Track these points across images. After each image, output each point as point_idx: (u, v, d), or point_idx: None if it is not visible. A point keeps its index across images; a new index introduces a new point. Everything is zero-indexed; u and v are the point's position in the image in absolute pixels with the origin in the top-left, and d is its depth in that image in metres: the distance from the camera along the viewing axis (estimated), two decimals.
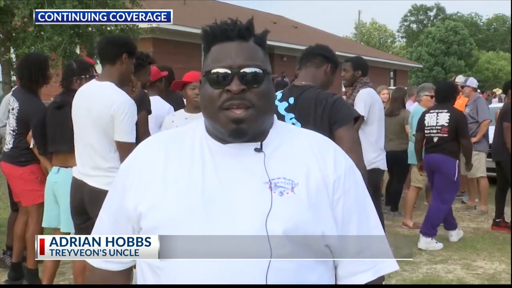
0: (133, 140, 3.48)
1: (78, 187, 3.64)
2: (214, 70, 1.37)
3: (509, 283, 5.14)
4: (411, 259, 5.74)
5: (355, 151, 3.06)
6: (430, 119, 6.44)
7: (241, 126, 1.35)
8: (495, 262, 5.75)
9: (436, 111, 6.45)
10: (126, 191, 1.41)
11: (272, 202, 1.32)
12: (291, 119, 3.11)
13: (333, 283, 1.44)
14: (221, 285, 1.28)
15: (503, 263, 5.71)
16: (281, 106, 3.14)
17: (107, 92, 3.49)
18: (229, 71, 1.35)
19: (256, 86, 1.36)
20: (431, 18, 68.72)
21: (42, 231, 4.57)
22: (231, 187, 1.34)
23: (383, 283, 5.32)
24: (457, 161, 6.25)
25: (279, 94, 3.19)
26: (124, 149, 3.40)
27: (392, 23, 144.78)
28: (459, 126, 6.25)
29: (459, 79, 9.64)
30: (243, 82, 1.35)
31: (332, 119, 3.02)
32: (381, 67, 33.58)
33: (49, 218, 4.35)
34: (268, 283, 1.28)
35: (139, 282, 1.42)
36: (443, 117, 6.32)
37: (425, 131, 6.47)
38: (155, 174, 1.39)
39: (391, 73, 35.89)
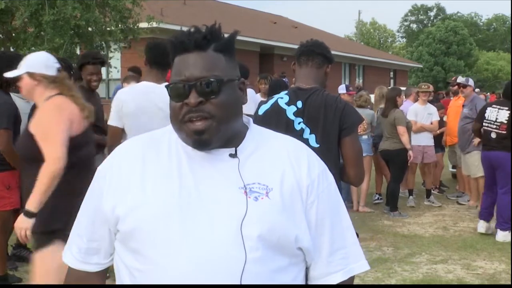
0: None
1: None
2: (173, 84, 1.38)
3: (509, 283, 5.14)
4: (411, 259, 5.76)
5: (358, 165, 3.08)
6: (491, 113, 6.58)
7: (202, 137, 1.36)
8: (495, 262, 5.75)
9: (498, 107, 6.59)
10: (103, 194, 1.42)
11: (247, 207, 1.34)
12: (299, 123, 3.10)
13: (305, 283, 1.47)
14: (200, 285, 1.30)
15: (503, 263, 5.71)
16: (290, 110, 3.12)
17: None
18: (186, 84, 1.36)
19: (214, 97, 1.36)
20: (431, 18, 68.74)
21: (7, 238, 4.53)
22: (207, 192, 1.36)
23: (386, 282, 5.27)
24: None
25: (285, 97, 3.16)
26: None
27: (392, 23, 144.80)
28: None
29: (460, 79, 9.63)
30: (200, 94, 1.35)
31: (341, 125, 3.04)
32: (381, 67, 33.57)
33: None
34: (242, 284, 1.31)
35: (117, 281, 1.44)
36: (503, 114, 6.46)
37: (484, 124, 6.61)
38: (133, 177, 1.40)
39: (391, 73, 35.89)
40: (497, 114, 6.51)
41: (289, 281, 1.39)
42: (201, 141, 1.37)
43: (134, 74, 7.89)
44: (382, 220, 7.66)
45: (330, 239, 1.45)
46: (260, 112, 3.18)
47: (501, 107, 6.53)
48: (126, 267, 1.39)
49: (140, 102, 3.83)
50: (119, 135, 3.93)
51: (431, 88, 9.31)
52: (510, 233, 6.55)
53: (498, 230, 6.61)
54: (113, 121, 3.95)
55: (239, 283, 1.31)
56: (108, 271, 1.56)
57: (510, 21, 61.48)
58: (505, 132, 6.40)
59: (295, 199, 1.40)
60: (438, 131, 8.96)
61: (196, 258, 1.31)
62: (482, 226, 6.82)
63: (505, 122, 6.40)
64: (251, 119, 1.51)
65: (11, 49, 13.23)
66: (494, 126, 6.51)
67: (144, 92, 3.86)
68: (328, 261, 1.45)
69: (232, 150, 1.41)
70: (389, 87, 10.29)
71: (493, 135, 6.52)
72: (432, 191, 9.01)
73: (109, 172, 1.45)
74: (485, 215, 6.82)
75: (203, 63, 1.37)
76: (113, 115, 3.96)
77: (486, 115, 6.62)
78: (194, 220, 1.33)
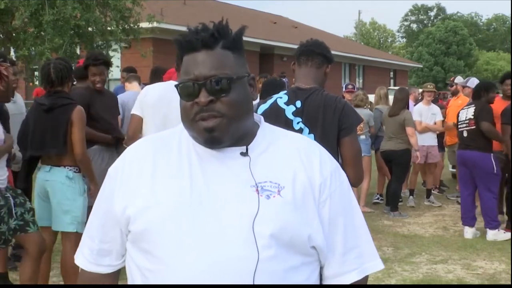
0: None
1: None
2: (182, 83, 1.37)
3: (509, 283, 5.14)
4: (411, 259, 5.75)
5: (356, 165, 3.08)
6: (462, 115, 6.79)
7: (213, 135, 1.35)
8: (495, 262, 5.75)
9: (467, 107, 6.82)
10: (114, 195, 1.42)
11: (259, 205, 1.33)
12: (298, 123, 3.09)
13: (319, 283, 1.45)
14: (212, 285, 1.29)
15: (503, 263, 5.71)
16: (289, 110, 3.12)
17: None
18: (195, 84, 1.35)
19: (224, 95, 1.35)
20: (431, 18, 68.75)
21: None
22: (218, 190, 1.35)
23: (386, 283, 5.26)
24: (491, 154, 6.49)
25: (284, 97, 3.17)
26: None
27: (392, 23, 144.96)
28: (479, 112, 6.49)
29: (458, 80, 9.63)
30: (210, 92, 1.34)
31: (340, 125, 3.04)
32: (381, 67, 33.60)
33: (39, 216, 4.25)
34: (255, 284, 1.29)
35: (129, 282, 1.44)
36: (471, 111, 6.67)
37: (458, 127, 6.79)
38: (143, 177, 1.39)
39: (391, 73, 35.91)
40: (466, 114, 6.73)
41: (302, 280, 1.37)
42: (213, 138, 1.36)
43: (135, 74, 7.90)
44: (382, 220, 7.66)
45: (343, 238, 1.42)
46: (259, 112, 3.18)
47: (469, 106, 6.77)
48: (138, 267, 1.39)
49: (162, 96, 4.09)
50: (139, 123, 4.26)
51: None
52: (510, 232, 6.56)
53: (488, 229, 6.58)
54: (135, 110, 4.32)
55: (251, 283, 1.29)
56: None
57: (510, 21, 61.52)
58: (474, 127, 6.53)
59: (307, 198, 1.38)
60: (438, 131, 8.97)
61: (207, 258, 1.29)
62: (468, 232, 6.75)
63: (472, 117, 6.58)
64: (262, 117, 1.50)
65: (11, 49, 13.24)
66: (465, 125, 6.68)
67: (168, 89, 3.99)
68: (342, 261, 1.43)
69: (243, 149, 1.40)
70: (394, 87, 10.30)
71: (465, 134, 6.67)
72: (432, 191, 9.01)
73: (120, 173, 1.44)
74: (467, 220, 6.76)
75: (212, 62, 1.36)
76: (137, 105, 4.34)
77: (459, 118, 6.84)
78: (205, 219, 1.32)
